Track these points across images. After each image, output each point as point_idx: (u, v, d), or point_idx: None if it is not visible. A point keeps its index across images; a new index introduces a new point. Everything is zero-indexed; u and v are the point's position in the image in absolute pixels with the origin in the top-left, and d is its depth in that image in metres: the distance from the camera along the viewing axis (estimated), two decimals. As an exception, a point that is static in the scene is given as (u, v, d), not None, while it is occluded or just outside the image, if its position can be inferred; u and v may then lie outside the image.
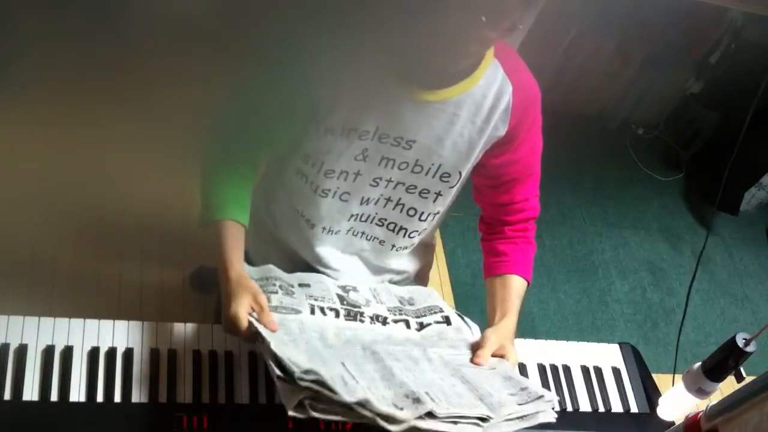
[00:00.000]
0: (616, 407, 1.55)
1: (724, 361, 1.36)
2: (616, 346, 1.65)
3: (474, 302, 2.72)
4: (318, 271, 1.53)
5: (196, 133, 1.42)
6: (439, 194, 1.43)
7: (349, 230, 1.49)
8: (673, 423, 1.50)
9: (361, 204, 1.43)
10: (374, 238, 1.52)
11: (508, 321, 1.43)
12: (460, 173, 1.40)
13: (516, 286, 1.48)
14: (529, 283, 1.51)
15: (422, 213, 1.47)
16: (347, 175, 1.37)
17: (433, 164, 1.37)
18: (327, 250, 1.52)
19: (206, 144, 1.40)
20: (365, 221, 1.48)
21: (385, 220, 1.48)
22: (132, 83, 2.78)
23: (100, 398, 1.27)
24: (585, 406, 1.53)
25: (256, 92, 1.32)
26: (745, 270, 3.39)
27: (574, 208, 3.32)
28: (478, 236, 1.61)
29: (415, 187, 1.41)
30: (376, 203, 1.44)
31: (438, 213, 1.50)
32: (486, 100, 1.32)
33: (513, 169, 1.44)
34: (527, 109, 1.37)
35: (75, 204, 2.53)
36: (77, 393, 1.26)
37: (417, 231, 1.52)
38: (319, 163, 1.36)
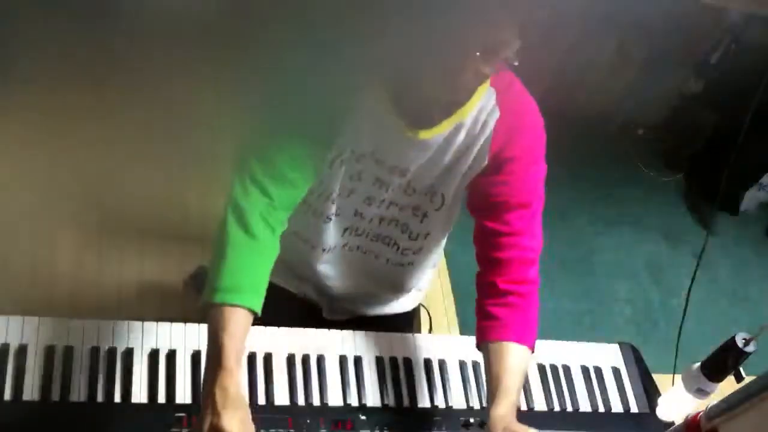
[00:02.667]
0: (616, 407, 1.55)
1: (723, 361, 1.36)
2: (616, 346, 1.65)
3: (474, 302, 2.69)
4: (317, 283, 1.56)
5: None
6: (425, 215, 1.43)
7: (344, 245, 1.50)
8: (673, 423, 1.50)
9: (354, 216, 1.44)
10: (369, 251, 1.52)
11: (509, 401, 1.26)
12: (443, 196, 1.40)
13: (514, 357, 1.29)
14: (532, 350, 1.32)
15: (411, 231, 1.47)
16: (341, 193, 1.38)
17: (425, 185, 1.38)
18: (324, 267, 1.54)
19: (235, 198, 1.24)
20: (360, 235, 1.48)
21: (378, 235, 1.49)
22: (132, 83, 2.78)
23: (100, 398, 1.27)
24: (585, 406, 1.53)
25: (274, 131, 1.27)
26: (745, 270, 3.38)
27: (574, 208, 3.32)
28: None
29: (408, 206, 1.43)
30: (370, 221, 1.45)
31: (428, 234, 1.48)
32: (476, 126, 1.31)
33: (502, 189, 1.34)
34: (514, 136, 1.31)
35: (75, 204, 2.52)
36: (77, 393, 1.27)
37: (410, 249, 1.51)
38: (316, 185, 1.36)
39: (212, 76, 2.82)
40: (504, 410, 1.24)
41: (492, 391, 1.27)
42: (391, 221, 1.45)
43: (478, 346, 1.36)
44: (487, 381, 1.31)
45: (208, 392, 1.10)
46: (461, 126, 1.30)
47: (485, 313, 1.35)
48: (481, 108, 1.30)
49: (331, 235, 1.46)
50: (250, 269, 1.20)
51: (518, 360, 1.29)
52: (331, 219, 1.42)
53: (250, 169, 1.24)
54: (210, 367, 1.12)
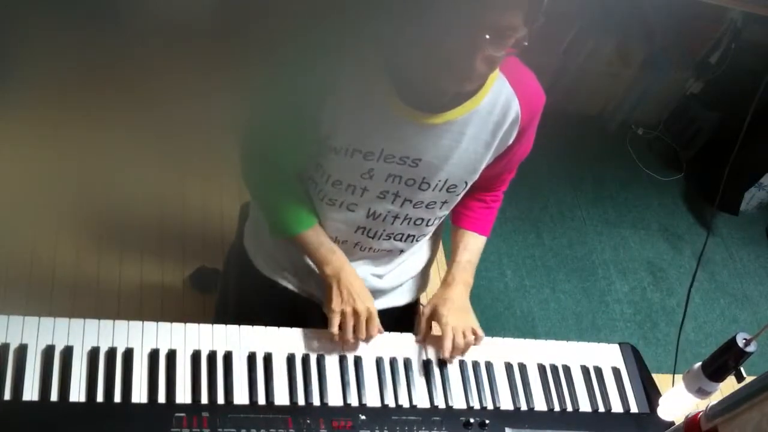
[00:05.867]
0: (616, 407, 1.55)
1: (724, 361, 1.35)
2: (616, 346, 1.65)
3: (473, 302, 2.69)
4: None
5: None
6: (445, 203, 1.44)
7: (356, 244, 1.50)
8: (673, 423, 1.50)
9: (368, 217, 1.44)
10: (381, 250, 1.52)
11: (450, 290, 1.53)
12: (467, 183, 1.41)
13: (472, 243, 1.58)
14: (487, 236, 1.63)
15: (429, 220, 1.48)
16: (354, 189, 1.38)
17: (440, 180, 1.38)
18: None
19: (247, 162, 1.46)
20: (372, 237, 1.48)
21: (392, 233, 1.49)
22: (133, 86, 2.79)
23: (100, 398, 1.27)
24: (585, 406, 1.53)
25: (272, 108, 1.36)
26: (745, 270, 3.39)
27: (574, 208, 3.32)
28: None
29: (422, 202, 1.42)
30: (384, 219, 1.44)
31: (445, 214, 1.51)
32: (491, 115, 1.32)
33: (506, 164, 1.47)
34: (533, 118, 1.38)
35: (75, 205, 2.53)
36: (77, 393, 1.27)
37: (424, 234, 1.53)
38: (327, 174, 1.36)
39: (213, 76, 2.82)
40: (454, 294, 1.52)
41: (452, 265, 1.56)
42: (404, 220, 1.45)
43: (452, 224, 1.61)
44: (450, 256, 1.60)
45: (338, 292, 1.42)
46: (474, 114, 1.30)
47: (463, 202, 1.54)
48: (496, 95, 1.30)
49: (341, 228, 1.46)
50: (296, 203, 1.45)
51: (477, 245, 1.58)
52: (334, 204, 1.41)
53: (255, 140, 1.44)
54: (330, 275, 1.44)
